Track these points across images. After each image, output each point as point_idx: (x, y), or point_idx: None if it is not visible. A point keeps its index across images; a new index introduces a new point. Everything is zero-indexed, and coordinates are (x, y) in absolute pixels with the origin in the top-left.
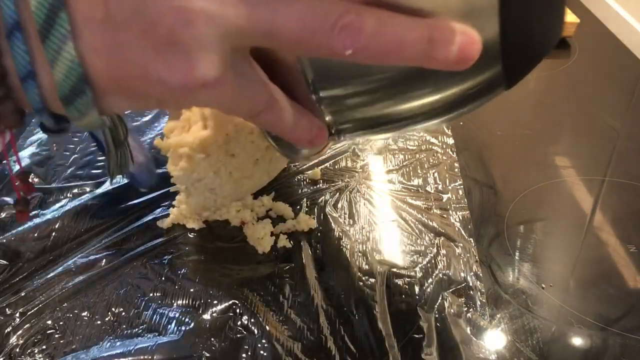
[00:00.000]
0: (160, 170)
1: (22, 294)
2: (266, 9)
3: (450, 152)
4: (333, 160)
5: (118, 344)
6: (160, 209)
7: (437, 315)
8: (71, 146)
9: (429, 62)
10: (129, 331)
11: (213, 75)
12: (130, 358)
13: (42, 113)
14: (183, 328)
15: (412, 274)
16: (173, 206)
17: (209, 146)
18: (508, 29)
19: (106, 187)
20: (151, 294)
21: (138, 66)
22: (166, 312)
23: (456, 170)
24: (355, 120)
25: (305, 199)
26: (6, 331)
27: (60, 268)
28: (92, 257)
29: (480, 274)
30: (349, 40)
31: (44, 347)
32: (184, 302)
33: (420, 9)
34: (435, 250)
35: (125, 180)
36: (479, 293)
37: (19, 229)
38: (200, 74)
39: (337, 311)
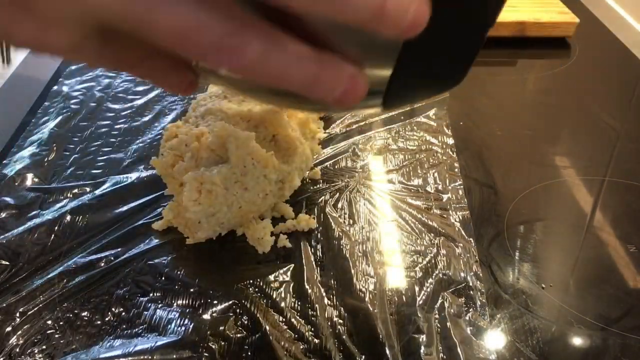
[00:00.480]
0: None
1: (22, 294)
2: (147, 3)
3: (450, 152)
4: (333, 160)
5: (118, 344)
6: (160, 209)
7: (437, 315)
8: (71, 146)
9: (308, 94)
10: (129, 331)
11: (62, 46)
12: (130, 358)
13: None
14: (183, 328)
15: (412, 274)
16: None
17: (228, 180)
18: (398, 79)
19: (106, 187)
20: (151, 294)
21: None
22: (166, 312)
23: (456, 170)
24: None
25: (305, 199)
26: (6, 331)
27: (60, 268)
28: (92, 257)
29: (480, 274)
30: (226, 60)
31: (44, 347)
32: (184, 302)
33: (320, 36)
34: (435, 250)
35: (128, 181)
36: (479, 293)
37: (19, 229)
38: (46, 41)
39: (337, 311)
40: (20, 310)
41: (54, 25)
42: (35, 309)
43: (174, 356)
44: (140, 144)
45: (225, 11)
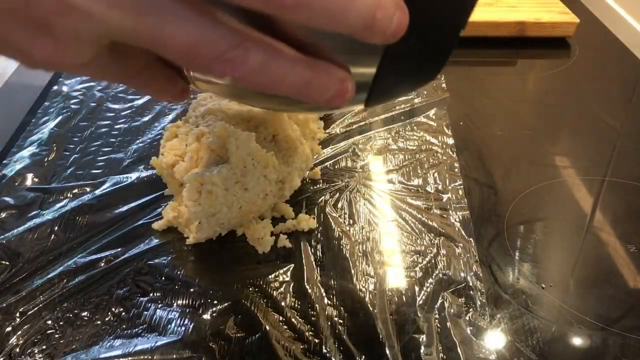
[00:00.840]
0: (154, 171)
1: (22, 294)
2: (154, 21)
3: (450, 152)
4: (333, 160)
5: (118, 344)
6: (160, 209)
7: (437, 315)
8: (71, 146)
9: (302, 98)
10: (129, 331)
11: (78, 62)
12: (130, 358)
13: None
14: (183, 328)
15: (412, 274)
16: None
17: (228, 180)
18: (381, 79)
19: (106, 187)
20: (151, 294)
21: None
22: (166, 312)
23: (456, 170)
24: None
25: (305, 199)
26: (6, 331)
27: (60, 268)
28: (92, 257)
29: (480, 274)
30: (229, 70)
31: (44, 347)
32: (184, 302)
33: (311, 44)
34: (435, 250)
35: (128, 181)
36: (479, 293)
37: (19, 229)
38: (64, 58)
39: (337, 311)
40: (20, 310)
41: (71, 44)
42: (35, 309)
43: (174, 356)
44: (140, 144)
45: (226, 25)
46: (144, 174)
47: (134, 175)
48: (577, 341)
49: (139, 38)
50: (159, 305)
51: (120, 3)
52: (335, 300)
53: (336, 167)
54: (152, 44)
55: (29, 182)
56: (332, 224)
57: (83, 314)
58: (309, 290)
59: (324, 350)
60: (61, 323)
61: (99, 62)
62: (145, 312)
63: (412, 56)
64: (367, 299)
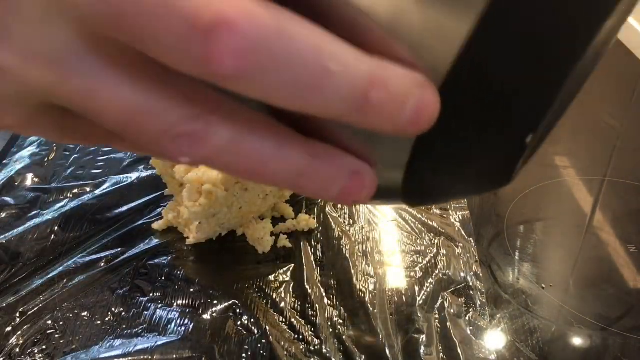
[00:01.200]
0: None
1: (22, 294)
2: (84, 81)
3: None
4: None
5: (118, 344)
6: (160, 209)
7: (437, 315)
8: (71, 146)
9: (296, 191)
10: (129, 331)
11: (9, 123)
12: (130, 358)
13: None
14: (183, 328)
15: (412, 274)
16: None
17: (228, 181)
18: (413, 176)
19: (106, 187)
20: (151, 294)
21: None
22: (166, 312)
23: None
24: None
25: (305, 199)
26: (6, 331)
27: (60, 268)
28: (92, 257)
29: (480, 274)
30: (185, 149)
31: (44, 347)
32: (184, 302)
33: (312, 120)
34: (435, 250)
35: (128, 181)
36: (479, 293)
37: (19, 229)
38: None
39: (337, 311)
40: (20, 310)
41: None
42: (35, 309)
43: (174, 356)
44: None
45: (184, 90)
46: (144, 174)
47: (134, 175)
48: (577, 341)
49: (69, 102)
50: (159, 305)
51: (39, 58)
52: (335, 300)
53: None
54: (85, 109)
55: (29, 182)
56: (332, 224)
57: (83, 314)
58: (309, 290)
59: (324, 351)
60: (61, 323)
61: (45, 123)
62: (145, 312)
63: (457, 151)
64: (367, 299)
